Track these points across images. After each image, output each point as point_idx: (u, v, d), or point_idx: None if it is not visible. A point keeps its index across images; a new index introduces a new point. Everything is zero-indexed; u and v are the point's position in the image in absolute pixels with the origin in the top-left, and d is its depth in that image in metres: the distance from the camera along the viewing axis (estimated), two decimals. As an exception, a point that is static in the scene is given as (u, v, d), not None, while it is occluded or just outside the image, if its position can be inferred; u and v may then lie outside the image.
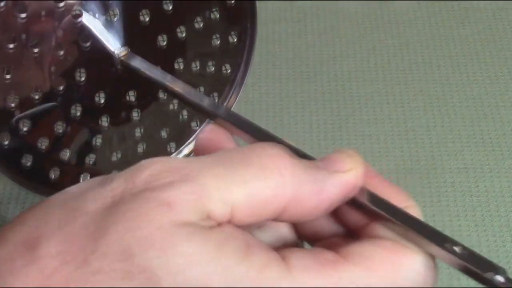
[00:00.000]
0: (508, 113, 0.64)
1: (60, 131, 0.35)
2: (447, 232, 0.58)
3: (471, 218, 0.57)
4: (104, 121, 0.36)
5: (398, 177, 0.60)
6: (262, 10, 0.74)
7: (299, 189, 0.24)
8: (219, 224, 0.23)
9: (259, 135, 0.28)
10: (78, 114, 0.35)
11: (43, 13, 0.31)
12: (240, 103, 0.69)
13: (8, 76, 0.31)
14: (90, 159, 0.37)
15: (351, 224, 0.27)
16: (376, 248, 0.24)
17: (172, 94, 0.32)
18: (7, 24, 0.30)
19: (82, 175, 0.37)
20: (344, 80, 0.68)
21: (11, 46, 0.31)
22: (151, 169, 0.23)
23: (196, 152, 0.29)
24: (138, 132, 0.38)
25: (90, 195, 0.23)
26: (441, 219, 0.57)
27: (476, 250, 0.54)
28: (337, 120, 0.65)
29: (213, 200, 0.23)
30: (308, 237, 0.27)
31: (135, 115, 0.38)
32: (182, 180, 0.22)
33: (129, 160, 0.38)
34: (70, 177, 0.37)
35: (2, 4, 0.29)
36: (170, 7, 0.35)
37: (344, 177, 0.25)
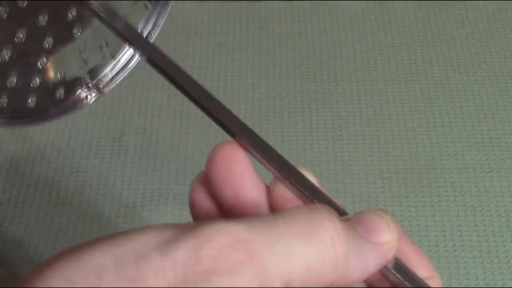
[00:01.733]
0: (508, 113, 0.64)
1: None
2: (447, 232, 0.58)
3: (471, 218, 0.57)
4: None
5: (398, 177, 0.60)
6: (262, 10, 0.74)
7: (347, 263, 0.24)
8: None
9: (273, 159, 0.27)
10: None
11: None
12: (240, 103, 0.69)
13: None
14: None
15: (372, 282, 0.27)
16: None
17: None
18: None
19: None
20: (344, 80, 0.68)
21: None
22: (215, 241, 0.23)
23: (208, 171, 0.28)
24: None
25: (148, 265, 0.22)
26: (441, 219, 0.57)
27: (476, 250, 0.55)
28: (337, 120, 0.65)
29: (274, 281, 0.23)
30: None
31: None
32: (247, 261, 0.23)
33: None
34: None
35: None
36: None
37: (385, 250, 0.25)
